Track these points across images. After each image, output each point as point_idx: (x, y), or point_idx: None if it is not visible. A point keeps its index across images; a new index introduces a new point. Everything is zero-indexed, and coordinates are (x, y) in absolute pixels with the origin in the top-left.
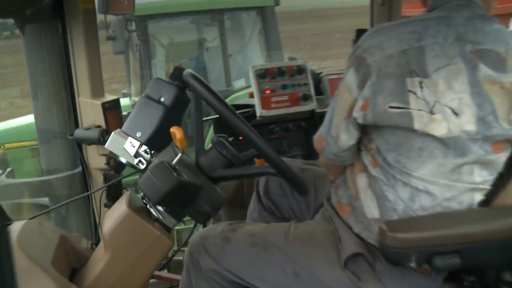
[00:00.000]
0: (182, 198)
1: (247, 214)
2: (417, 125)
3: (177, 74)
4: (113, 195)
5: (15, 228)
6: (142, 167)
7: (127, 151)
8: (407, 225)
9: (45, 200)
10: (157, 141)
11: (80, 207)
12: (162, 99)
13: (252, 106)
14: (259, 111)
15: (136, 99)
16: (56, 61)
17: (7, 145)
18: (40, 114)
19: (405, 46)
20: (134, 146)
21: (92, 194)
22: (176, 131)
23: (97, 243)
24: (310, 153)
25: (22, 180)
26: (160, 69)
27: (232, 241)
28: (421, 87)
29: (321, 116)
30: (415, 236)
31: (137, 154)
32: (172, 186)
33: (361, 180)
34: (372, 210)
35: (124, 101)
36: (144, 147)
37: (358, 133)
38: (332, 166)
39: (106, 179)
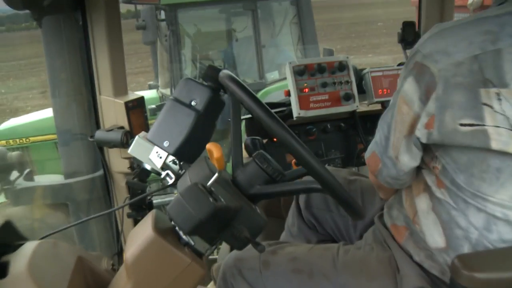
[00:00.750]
0: (218, 224)
1: (285, 227)
2: (495, 145)
3: (210, 74)
4: (137, 204)
5: (27, 251)
6: (170, 181)
7: (153, 162)
8: (486, 262)
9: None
10: (187, 151)
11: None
12: (193, 103)
13: (288, 104)
14: (296, 111)
15: (164, 91)
16: (76, 55)
17: (31, 138)
18: (59, 113)
19: (477, 51)
20: (161, 157)
21: (115, 201)
22: (213, 149)
23: (119, 254)
24: (350, 157)
25: (41, 184)
26: (189, 60)
27: (271, 265)
28: (499, 99)
29: (362, 116)
30: (499, 277)
31: (164, 166)
32: (208, 214)
33: (422, 202)
34: (435, 237)
35: (151, 93)
36: (172, 157)
37: (421, 153)
38: (372, 165)
39: (129, 188)
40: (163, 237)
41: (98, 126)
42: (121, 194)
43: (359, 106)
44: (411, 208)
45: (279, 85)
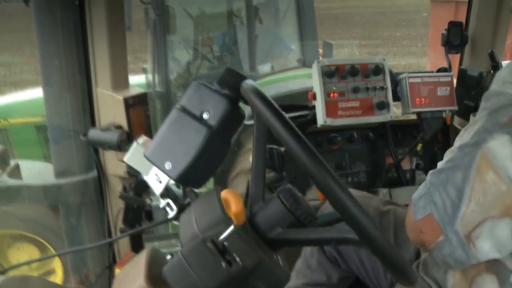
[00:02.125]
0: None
1: (301, 254)
2: None
3: (229, 80)
4: (131, 220)
5: None
6: (171, 214)
7: (151, 186)
8: None
9: None
10: (194, 176)
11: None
12: (205, 116)
13: (310, 108)
14: (322, 119)
15: (151, 78)
16: (71, 40)
17: (10, 120)
18: (51, 105)
19: None
20: (161, 182)
21: (109, 206)
22: (231, 199)
23: (110, 267)
24: (376, 171)
25: (28, 183)
26: (180, 46)
27: None
28: None
29: (393, 126)
30: None
31: (164, 193)
32: (219, 283)
33: (485, 285)
34: None
35: (139, 79)
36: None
37: None
38: (427, 234)
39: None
40: None
41: (93, 123)
42: (116, 199)
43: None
44: (461, 282)
45: (269, 80)
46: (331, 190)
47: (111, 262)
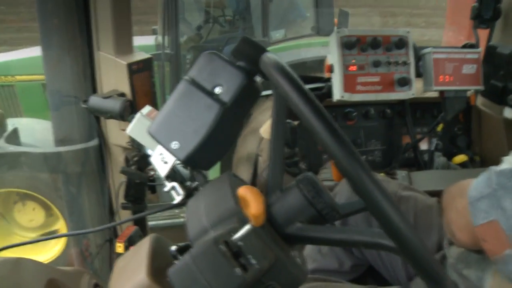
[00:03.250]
0: None
1: None
2: None
3: (245, 51)
4: (133, 195)
5: None
6: (177, 199)
7: (155, 166)
8: None
9: None
10: (204, 158)
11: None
12: (217, 90)
13: (326, 80)
14: (339, 94)
15: (161, 39)
16: None
17: (18, 77)
18: (50, 68)
19: None
20: (166, 163)
21: (111, 177)
22: (250, 199)
23: (111, 241)
24: (392, 151)
25: (26, 150)
26: (192, 8)
27: None
28: None
29: (412, 104)
30: None
31: (170, 175)
32: None
33: None
34: None
35: (147, 40)
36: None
37: None
38: (491, 243)
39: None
40: (160, 283)
41: (94, 90)
42: (118, 169)
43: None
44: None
45: (281, 46)
46: (370, 196)
47: (112, 235)
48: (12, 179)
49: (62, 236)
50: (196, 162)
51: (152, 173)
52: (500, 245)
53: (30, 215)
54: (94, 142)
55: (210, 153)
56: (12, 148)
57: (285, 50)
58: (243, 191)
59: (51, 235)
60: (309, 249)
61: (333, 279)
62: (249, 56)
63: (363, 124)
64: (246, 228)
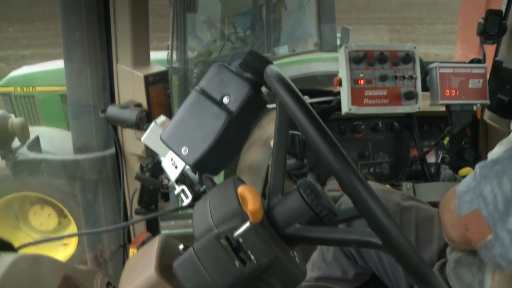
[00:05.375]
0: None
1: (317, 248)
2: None
3: (252, 63)
4: (147, 201)
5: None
6: (186, 201)
7: (166, 171)
8: None
9: None
10: (211, 163)
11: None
12: (225, 100)
13: (335, 94)
14: (347, 106)
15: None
16: (93, 12)
17: (38, 88)
18: (71, 79)
19: None
20: (176, 167)
21: (125, 185)
22: (248, 196)
23: (124, 247)
24: (399, 163)
25: (46, 157)
26: (203, 26)
27: None
28: None
29: (420, 117)
30: None
31: (180, 179)
32: (231, 283)
33: None
34: None
35: (160, 55)
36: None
37: None
38: (474, 231)
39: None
40: (168, 280)
41: (112, 100)
42: (133, 178)
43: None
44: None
45: (285, 61)
46: (357, 194)
47: (125, 241)
48: (30, 184)
49: (78, 235)
50: (204, 167)
51: (166, 181)
52: (482, 232)
53: (43, 219)
54: (111, 151)
55: (217, 159)
56: (33, 155)
57: (288, 65)
58: (242, 189)
59: (69, 234)
60: (314, 257)
61: (336, 287)
62: (255, 68)
63: (371, 137)
64: (246, 225)
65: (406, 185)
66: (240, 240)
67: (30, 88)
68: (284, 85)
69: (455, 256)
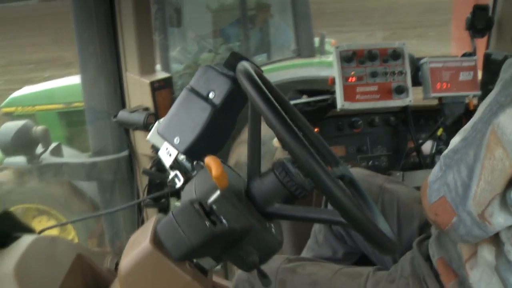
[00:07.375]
0: (220, 247)
1: (311, 232)
2: None
3: (232, 62)
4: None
5: (20, 247)
6: (178, 184)
7: (162, 159)
8: None
9: None
10: (201, 150)
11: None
12: (210, 95)
13: (332, 92)
14: (340, 103)
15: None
16: (103, 28)
17: (37, 107)
18: (87, 88)
19: None
20: (170, 155)
21: (139, 184)
22: (212, 164)
23: None
24: (397, 155)
25: (67, 161)
26: (186, 39)
27: (288, 286)
28: None
29: (415, 111)
30: None
31: (174, 165)
32: (202, 240)
33: (486, 255)
34: None
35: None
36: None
37: None
38: (441, 216)
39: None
40: (162, 250)
41: (123, 105)
42: (145, 176)
43: (413, 100)
44: (468, 254)
45: (264, 69)
46: (304, 162)
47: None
48: (32, 195)
49: (96, 216)
50: (194, 153)
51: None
52: (448, 216)
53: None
54: (125, 153)
55: (205, 146)
56: (55, 159)
57: (267, 72)
58: (207, 160)
59: (88, 215)
60: (309, 241)
61: (315, 260)
62: (235, 67)
63: (369, 132)
64: (216, 193)
65: (396, 174)
66: (214, 207)
67: (31, 108)
68: (247, 77)
69: (435, 232)
